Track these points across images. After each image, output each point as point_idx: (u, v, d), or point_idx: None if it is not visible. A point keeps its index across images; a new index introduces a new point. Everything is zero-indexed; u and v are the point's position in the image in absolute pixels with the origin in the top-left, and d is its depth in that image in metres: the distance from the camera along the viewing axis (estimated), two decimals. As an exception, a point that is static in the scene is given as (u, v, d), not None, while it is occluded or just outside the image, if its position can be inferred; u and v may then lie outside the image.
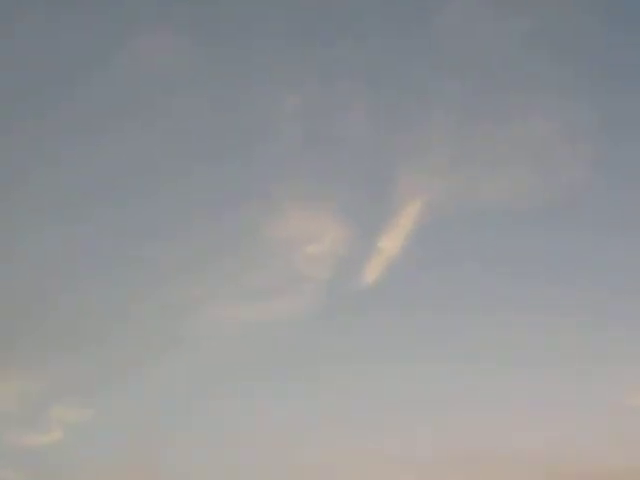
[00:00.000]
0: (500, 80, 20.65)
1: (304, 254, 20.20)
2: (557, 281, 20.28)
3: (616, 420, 18.82)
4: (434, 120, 20.39)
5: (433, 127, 20.38)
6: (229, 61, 20.08)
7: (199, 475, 18.29)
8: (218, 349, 19.27)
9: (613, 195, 20.59)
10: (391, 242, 20.38)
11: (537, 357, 19.52)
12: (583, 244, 20.50)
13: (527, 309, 19.96)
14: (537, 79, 20.64)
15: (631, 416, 18.79)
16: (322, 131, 20.23)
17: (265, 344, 19.53)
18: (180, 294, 19.55)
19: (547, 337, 19.73)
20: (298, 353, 19.61)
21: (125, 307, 19.39)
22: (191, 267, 19.79)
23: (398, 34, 20.48)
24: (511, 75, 20.65)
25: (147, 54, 19.38)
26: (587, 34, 20.36)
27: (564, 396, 19.16)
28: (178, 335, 19.35)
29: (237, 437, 19.03)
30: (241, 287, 19.82)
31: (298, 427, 19.07)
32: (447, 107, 20.48)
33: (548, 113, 20.59)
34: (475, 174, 20.51)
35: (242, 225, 20.03)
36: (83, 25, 19.20)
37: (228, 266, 19.88)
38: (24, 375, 18.69)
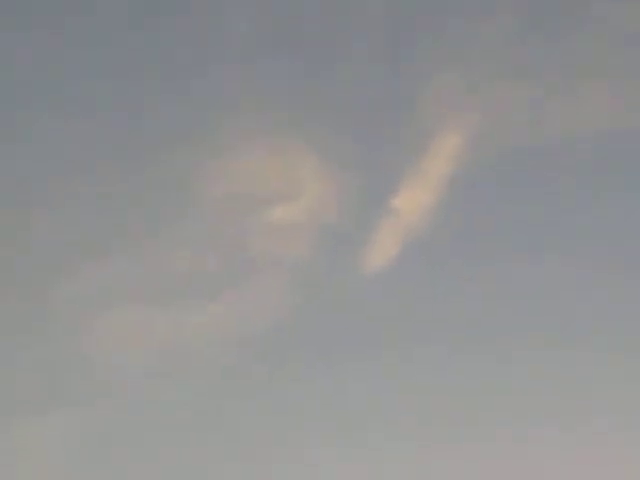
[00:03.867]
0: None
1: (269, 222, 12.51)
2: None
3: None
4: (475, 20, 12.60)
5: (474, 31, 12.57)
6: None
7: None
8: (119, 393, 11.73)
9: None
10: (413, 201, 12.61)
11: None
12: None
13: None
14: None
15: None
16: (295, 18, 12.44)
17: (204, 370, 11.94)
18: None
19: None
20: (257, 379, 11.95)
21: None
22: (93, 249, 12.23)
23: None
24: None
25: None
26: None
27: None
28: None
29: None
30: (170, 278, 12.24)
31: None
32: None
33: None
34: (536, 97, 12.60)
35: (170, 178, 12.41)
36: None
37: (147, 245, 12.28)
38: None
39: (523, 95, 12.58)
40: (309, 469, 11.48)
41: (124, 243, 12.14)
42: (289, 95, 12.55)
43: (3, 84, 12.64)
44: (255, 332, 12.07)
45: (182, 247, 12.20)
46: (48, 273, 11.97)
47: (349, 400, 11.82)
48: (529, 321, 12.01)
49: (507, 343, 11.86)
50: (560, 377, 11.76)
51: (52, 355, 11.75)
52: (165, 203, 12.32)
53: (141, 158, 12.39)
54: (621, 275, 12.21)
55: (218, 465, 11.42)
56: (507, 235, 12.53)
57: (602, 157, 12.71)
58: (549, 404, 11.68)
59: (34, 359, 11.71)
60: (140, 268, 12.13)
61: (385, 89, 12.67)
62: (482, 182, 12.53)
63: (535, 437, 11.48)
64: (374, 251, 12.39)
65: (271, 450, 11.52)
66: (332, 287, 12.30)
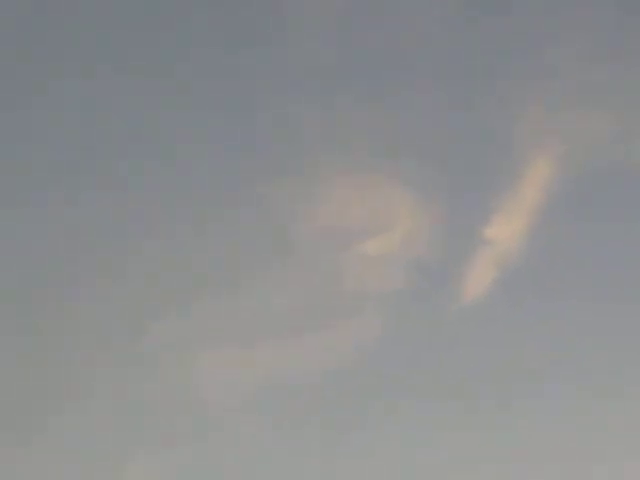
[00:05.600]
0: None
1: (361, 257, 12.54)
2: None
3: None
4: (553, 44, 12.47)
5: (553, 55, 12.45)
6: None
7: None
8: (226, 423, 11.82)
9: None
10: (506, 229, 12.51)
11: None
12: None
13: None
14: None
15: None
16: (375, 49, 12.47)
17: (301, 406, 11.98)
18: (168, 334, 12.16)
19: None
20: (353, 414, 11.93)
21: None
22: (184, 293, 12.37)
23: None
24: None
25: None
26: None
27: None
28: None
29: None
30: (264, 316, 12.33)
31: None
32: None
33: None
34: (622, 119, 12.40)
35: (263, 216, 12.55)
36: None
37: (241, 285, 12.39)
38: None
39: (615, 116, 12.41)
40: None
41: (218, 283, 12.28)
42: (374, 128, 12.60)
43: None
44: (350, 367, 12.05)
45: (276, 285, 12.29)
46: (145, 316, 12.19)
47: (443, 436, 11.74)
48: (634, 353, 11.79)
49: (611, 376, 11.67)
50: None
51: (151, 397, 11.97)
52: (258, 241, 12.44)
53: (233, 196, 12.56)
54: None
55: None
56: (608, 260, 12.36)
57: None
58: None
59: (133, 402, 11.93)
60: (235, 307, 12.25)
61: (470, 119, 12.63)
62: (576, 208, 12.40)
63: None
64: (469, 281, 12.32)
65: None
66: (426, 320, 12.25)
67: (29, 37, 12.52)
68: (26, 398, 11.65)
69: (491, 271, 12.35)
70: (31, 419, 11.68)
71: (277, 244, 12.36)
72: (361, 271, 12.46)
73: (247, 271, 12.29)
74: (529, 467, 11.33)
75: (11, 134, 12.40)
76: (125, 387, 11.90)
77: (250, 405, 11.88)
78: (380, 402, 12.01)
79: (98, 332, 12.03)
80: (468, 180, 12.58)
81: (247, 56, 12.57)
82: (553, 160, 12.36)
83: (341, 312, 12.28)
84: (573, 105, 12.41)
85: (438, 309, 12.32)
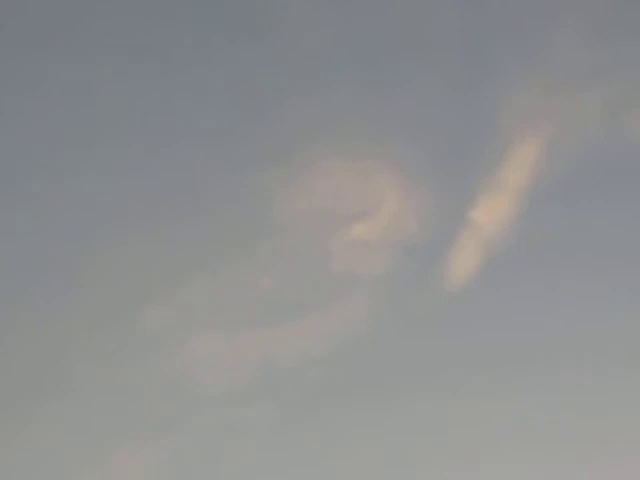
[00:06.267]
0: None
1: (348, 240, 12.50)
2: None
3: None
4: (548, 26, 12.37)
5: (547, 37, 12.34)
6: None
7: None
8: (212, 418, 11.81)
9: None
10: (494, 213, 12.46)
11: None
12: None
13: None
14: None
15: None
16: (367, 37, 12.37)
17: (290, 390, 11.98)
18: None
19: None
20: (342, 397, 11.93)
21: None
22: (170, 280, 12.32)
23: None
24: None
25: None
26: None
27: None
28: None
29: None
30: (251, 300, 12.29)
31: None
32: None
33: None
34: (616, 101, 12.33)
35: (249, 200, 12.47)
36: None
37: (228, 268, 12.34)
38: None
39: (602, 100, 12.33)
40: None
41: (205, 269, 12.24)
42: (364, 112, 12.51)
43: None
44: (338, 351, 12.04)
45: (263, 268, 12.24)
46: (132, 300, 12.15)
47: (432, 420, 11.77)
48: (622, 336, 11.80)
49: (600, 359, 11.69)
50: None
51: (139, 380, 11.94)
52: (245, 225, 12.38)
53: (221, 181, 12.49)
54: None
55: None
56: (596, 244, 12.34)
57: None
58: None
59: (121, 384, 11.91)
60: (221, 291, 12.22)
61: (460, 101, 12.54)
62: (562, 191, 12.34)
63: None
64: (456, 266, 12.28)
65: (367, 469, 11.53)
66: (414, 303, 12.23)
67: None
68: (10, 386, 11.64)
69: (479, 254, 12.32)
70: (17, 406, 11.67)
71: (263, 228, 12.32)
72: (348, 255, 12.42)
73: (233, 256, 12.25)
74: (517, 455, 11.39)
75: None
76: (112, 374, 11.90)
77: (238, 391, 11.87)
78: (369, 386, 12.02)
79: (84, 320, 12.02)
80: (455, 163, 12.52)
81: (230, 44, 12.48)
82: (541, 143, 12.30)
83: (328, 296, 12.25)
84: (561, 88, 12.35)
85: (426, 292, 12.29)
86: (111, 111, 12.37)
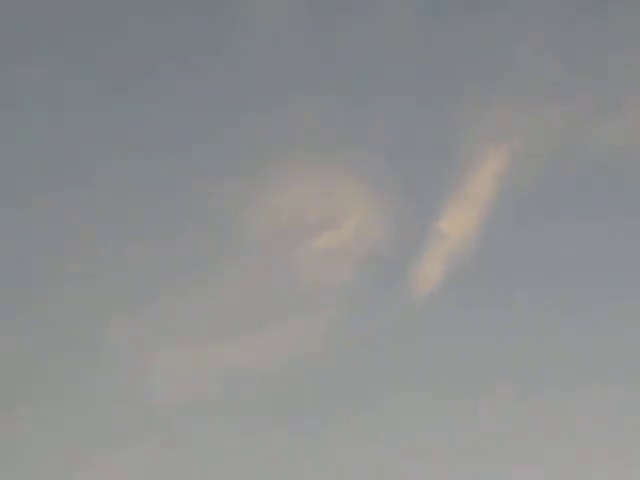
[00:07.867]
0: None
1: (314, 251, 12.46)
2: None
3: None
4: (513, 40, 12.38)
5: (514, 50, 12.36)
6: None
7: None
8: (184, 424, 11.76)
9: None
10: (460, 223, 12.47)
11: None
12: None
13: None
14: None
15: None
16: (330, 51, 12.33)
17: (256, 403, 11.95)
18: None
19: None
20: (307, 409, 11.90)
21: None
22: (137, 293, 12.23)
23: None
24: None
25: None
26: None
27: None
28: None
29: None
30: (217, 313, 12.23)
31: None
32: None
33: None
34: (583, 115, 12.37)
35: (214, 213, 12.41)
36: None
37: (194, 282, 12.28)
38: None
39: (569, 113, 12.38)
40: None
41: (171, 281, 12.19)
42: (330, 124, 12.49)
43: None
44: (304, 362, 12.04)
45: (228, 281, 12.20)
46: (99, 315, 12.08)
47: (389, 423, 11.76)
48: (589, 351, 11.86)
49: (564, 374, 11.74)
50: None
51: (104, 393, 11.88)
52: (210, 238, 12.32)
53: (185, 195, 12.43)
54: None
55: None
56: (557, 256, 12.38)
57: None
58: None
59: (85, 398, 11.84)
60: (188, 305, 12.17)
61: (426, 113, 12.55)
62: (528, 203, 12.38)
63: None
64: (421, 276, 12.28)
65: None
66: (379, 312, 12.22)
67: None
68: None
69: (444, 263, 12.34)
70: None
71: (228, 241, 12.27)
72: (314, 265, 12.41)
73: (199, 269, 12.21)
74: (490, 457, 11.42)
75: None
76: (76, 388, 11.84)
77: (203, 403, 11.84)
78: (333, 397, 12.02)
79: (49, 335, 11.94)
80: (421, 174, 12.54)
81: (198, 56, 12.45)
82: (505, 157, 12.34)
83: (293, 308, 12.23)
84: (528, 101, 12.40)
85: (391, 301, 12.31)
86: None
